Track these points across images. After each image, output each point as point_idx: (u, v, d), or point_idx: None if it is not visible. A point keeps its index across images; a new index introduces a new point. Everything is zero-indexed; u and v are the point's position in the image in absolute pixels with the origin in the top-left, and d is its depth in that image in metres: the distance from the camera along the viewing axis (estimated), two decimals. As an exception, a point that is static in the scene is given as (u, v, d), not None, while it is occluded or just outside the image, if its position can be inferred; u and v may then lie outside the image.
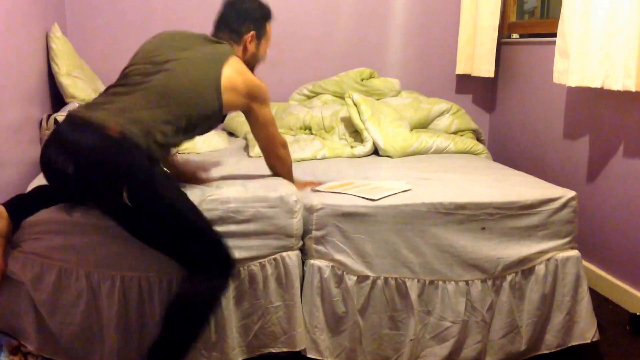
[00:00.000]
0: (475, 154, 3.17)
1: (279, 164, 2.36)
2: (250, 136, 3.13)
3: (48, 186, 2.10)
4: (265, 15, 2.29)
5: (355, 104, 3.14)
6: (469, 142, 3.21)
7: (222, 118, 2.14)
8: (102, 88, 3.34)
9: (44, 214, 2.05)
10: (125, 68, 2.11)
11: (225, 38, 2.22)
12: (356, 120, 3.11)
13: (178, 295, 1.96)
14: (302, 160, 2.91)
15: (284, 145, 2.34)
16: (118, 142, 1.84)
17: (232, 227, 2.09)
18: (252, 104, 2.16)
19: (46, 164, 1.95)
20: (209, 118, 2.08)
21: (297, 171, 2.54)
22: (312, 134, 3.33)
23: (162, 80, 1.99)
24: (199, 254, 1.94)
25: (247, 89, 2.12)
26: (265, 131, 2.25)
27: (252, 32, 2.24)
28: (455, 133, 3.40)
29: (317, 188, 2.36)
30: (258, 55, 2.31)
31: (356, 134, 3.18)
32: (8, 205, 2.05)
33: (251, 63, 2.28)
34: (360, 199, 2.20)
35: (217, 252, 1.96)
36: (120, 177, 1.83)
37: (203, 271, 1.93)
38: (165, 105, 1.96)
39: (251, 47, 2.26)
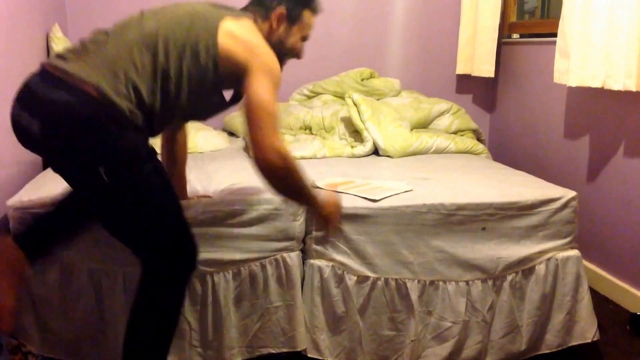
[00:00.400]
0: (475, 154, 3.17)
1: (273, 182, 1.73)
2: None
3: (70, 196, 1.93)
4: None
5: (355, 104, 3.14)
6: (469, 142, 3.21)
7: (220, 96, 1.82)
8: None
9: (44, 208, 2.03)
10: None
11: (249, 10, 1.87)
12: (356, 120, 3.11)
13: (141, 294, 1.74)
14: (302, 158, 2.91)
15: (281, 156, 1.67)
16: (93, 101, 1.57)
17: (235, 229, 2.11)
18: (250, 60, 1.69)
19: (13, 121, 1.67)
20: (203, 75, 1.71)
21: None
22: (312, 134, 3.33)
23: (150, 25, 1.69)
24: (166, 243, 1.71)
25: (248, 41, 1.72)
26: (253, 114, 1.68)
27: (282, 9, 1.84)
28: (455, 133, 3.40)
29: (317, 185, 2.36)
30: (286, 43, 1.88)
31: (356, 133, 3.18)
32: (24, 235, 1.89)
33: (277, 49, 1.81)
34: (361, 199, 2.20)
35: (185, 240, 1.76)
36: (92, 144, 1.58)
37: (166, 263, 1.71)
38: (152, 50, 1.65)
39: (278, 29, 1.85)
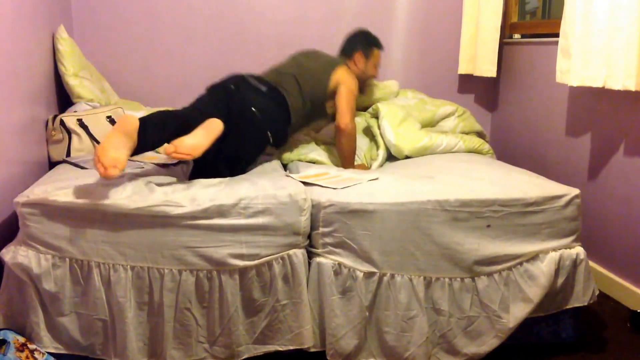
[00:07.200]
0: (481, 153, 3.19)
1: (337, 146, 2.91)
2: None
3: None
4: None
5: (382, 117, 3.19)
6: (476, 140, 3.22)
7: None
8: (109, 88, 3.38)
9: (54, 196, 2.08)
10: None
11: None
12: (374, 128, 3.18)
13: None
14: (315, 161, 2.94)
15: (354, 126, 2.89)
16: None
17: (242, 221, 2.13)
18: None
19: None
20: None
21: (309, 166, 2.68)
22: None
23: None
24: None
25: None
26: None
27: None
28: (459, 136, 3.41)
29: (292, 176, 2.44)
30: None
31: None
32: (145, 121, 2.24)
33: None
34: (367, 196, 2.23)
35: None
36: None
37: None
38: None
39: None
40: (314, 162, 2.91)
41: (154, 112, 2.49)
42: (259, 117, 2.61)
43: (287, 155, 2.93)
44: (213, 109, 2.53)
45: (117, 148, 2.08)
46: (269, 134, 2.67)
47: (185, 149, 2.22)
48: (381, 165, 3.05)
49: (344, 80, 2.93)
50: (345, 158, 2.90)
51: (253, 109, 2.60)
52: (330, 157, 2.99)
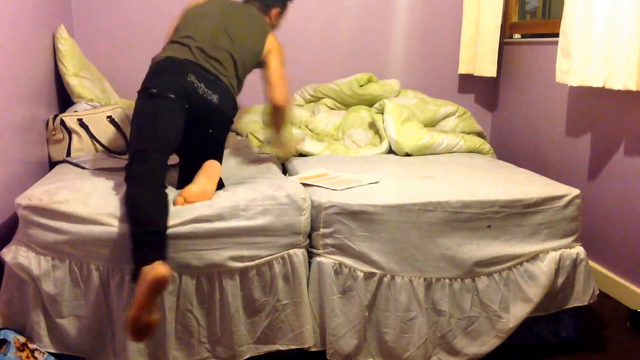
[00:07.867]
0: (482, 153, 3.20)
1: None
2: (258, 133, 3.20)
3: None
4: None
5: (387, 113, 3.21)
6: (477, 140, 3.23)
7: None
8: (110, 88, 3.38)
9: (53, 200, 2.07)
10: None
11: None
12: (379, 122, 3.18)
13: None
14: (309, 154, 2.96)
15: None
16: None
17: (242, 223, 2.12)
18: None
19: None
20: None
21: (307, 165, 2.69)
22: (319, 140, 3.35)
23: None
24: None
25: None
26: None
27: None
28: (459, 136, 3.42)
29: (291, 178, 2.44)
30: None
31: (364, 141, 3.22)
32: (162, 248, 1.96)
33: None
34: (368, 197, 2.23)
35: None
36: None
37: None
38: None
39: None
40: (311, 155, 2.96)
41: (155, 207, 2.06)
42: (220, 136, 2.47)
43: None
44: (174, 140, 2.27)
45: (152, 311, 1.86)
46: (226, 136, 2.53)
47: (195, 198, 2.16)
48: (383, 153, 3.08)
49: (274, 49, 2.67)
50: (281, 127, 2.70)
51: (211, 130, 2.38)
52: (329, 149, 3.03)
